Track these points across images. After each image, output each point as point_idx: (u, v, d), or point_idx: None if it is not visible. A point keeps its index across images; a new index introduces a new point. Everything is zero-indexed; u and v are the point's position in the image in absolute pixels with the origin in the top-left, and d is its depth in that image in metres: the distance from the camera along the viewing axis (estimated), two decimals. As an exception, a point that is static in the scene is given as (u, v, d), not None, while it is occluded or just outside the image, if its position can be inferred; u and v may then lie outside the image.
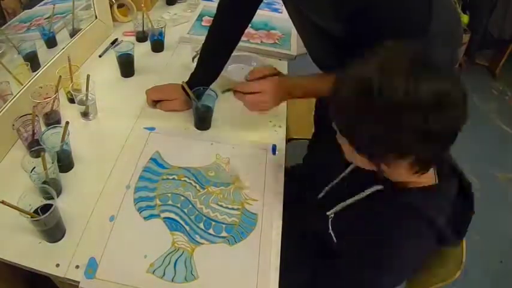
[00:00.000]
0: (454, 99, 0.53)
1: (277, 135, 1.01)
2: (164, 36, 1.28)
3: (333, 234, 0.75)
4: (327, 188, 0.83)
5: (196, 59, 1.22)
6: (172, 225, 0.76)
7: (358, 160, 0.64)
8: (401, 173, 0.62)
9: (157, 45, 1.28)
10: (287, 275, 0.72)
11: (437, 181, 0.66)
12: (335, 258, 0.74)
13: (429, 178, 0.66)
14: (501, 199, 1.95)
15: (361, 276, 0.67)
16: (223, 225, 0.77)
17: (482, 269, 1.57)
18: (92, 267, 0.68)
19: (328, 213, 0.77)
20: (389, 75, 0.53)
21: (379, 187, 0.69)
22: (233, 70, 1.20)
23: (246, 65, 1.22)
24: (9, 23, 0.97)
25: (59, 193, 0.79)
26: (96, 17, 1.23)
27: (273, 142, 0.98)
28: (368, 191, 0.70)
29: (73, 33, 1.16)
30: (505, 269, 1.63)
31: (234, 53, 1.24)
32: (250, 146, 0.95)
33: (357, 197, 0.72)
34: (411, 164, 0.59)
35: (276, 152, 0.95)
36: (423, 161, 0.59)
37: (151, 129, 0.96)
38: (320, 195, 0.84)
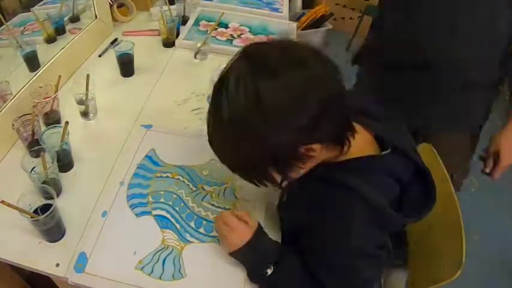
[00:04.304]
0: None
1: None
2: (164, 36, 1.28)
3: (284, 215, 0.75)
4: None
5: (198, 55, 1.22)
6: (163, 222, 0.76)
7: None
8: (319, 157, 0.58)
9: (157, 45, 1.28)
10: None
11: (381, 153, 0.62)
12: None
13: (369, 147, 0.63)
14: (501, 199, 1.95)
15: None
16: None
17: (482, 269, 1.57)
18: (81, 262, 0.67)
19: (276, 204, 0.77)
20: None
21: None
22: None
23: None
24: (2, 27, 0.96)
25: (58, 193, 0.79)
26: (96, 17, 1.23)
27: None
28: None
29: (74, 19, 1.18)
30: (505, 269, 1.63)
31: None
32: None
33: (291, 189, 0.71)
34: (320, 147, 0.54)
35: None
36: (326, 138, 0.55)
37: (148, 126, 0.96)
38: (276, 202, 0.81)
